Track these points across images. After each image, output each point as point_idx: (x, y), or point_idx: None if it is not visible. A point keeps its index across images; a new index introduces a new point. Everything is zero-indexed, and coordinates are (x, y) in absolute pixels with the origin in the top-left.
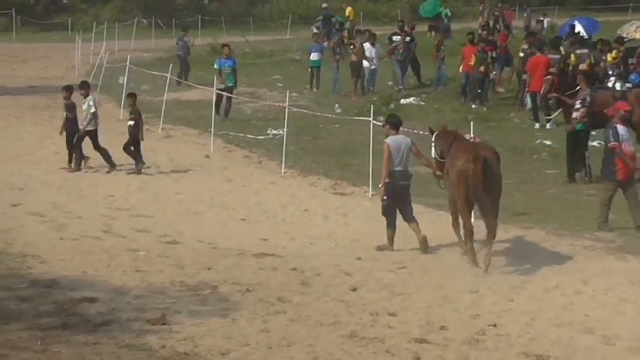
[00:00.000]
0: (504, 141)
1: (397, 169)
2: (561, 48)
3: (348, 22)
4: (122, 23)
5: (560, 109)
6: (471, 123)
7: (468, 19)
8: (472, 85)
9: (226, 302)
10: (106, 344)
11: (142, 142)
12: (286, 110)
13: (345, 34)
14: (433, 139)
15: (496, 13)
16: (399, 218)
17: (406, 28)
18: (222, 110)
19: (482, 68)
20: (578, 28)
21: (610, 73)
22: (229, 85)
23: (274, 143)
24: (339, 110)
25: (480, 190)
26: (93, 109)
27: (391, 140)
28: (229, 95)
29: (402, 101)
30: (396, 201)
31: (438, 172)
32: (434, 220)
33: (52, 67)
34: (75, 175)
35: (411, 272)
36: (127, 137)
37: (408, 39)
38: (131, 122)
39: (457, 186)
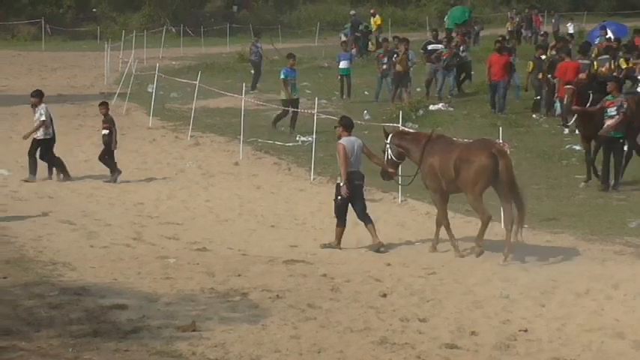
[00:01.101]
0: (533, 146)
1: (352, 169)
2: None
3: (375, 31)
4: (151, 31)
5: (574, 117)
6: (500, 129)
7: (497, 24)
8: (501, 95)
9: (256, 309)
10: (137, 351)
11: (120, 151)
12: (315, 117)
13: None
14: (389, 141)
15: (527, 15)
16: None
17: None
18: (290, 122)
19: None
20: (608, 34)
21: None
22: (295, 96)
23: (303, 150)
24: (367, 117)
25: (514, 180)
26: (43, 118)
27: (346, 141)
28: (294, 109)
29: (431, 107)
30: (351, 200)
31: (391, 170)
32: (463, 226)
33: (81, 75)
34: (104, 183)
35: (440, 278)
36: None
37: (461, 47)
38: (105, 131)
39: (475, 182)
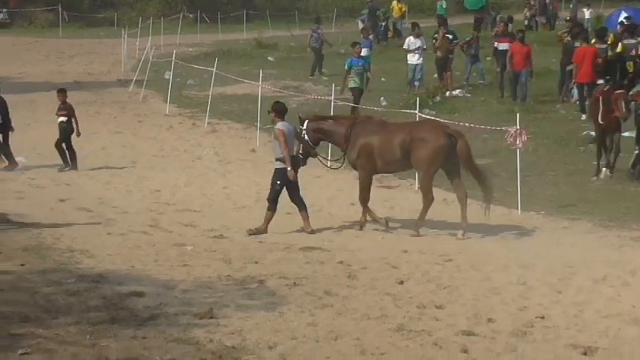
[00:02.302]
0: (551, 133)
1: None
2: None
3: (392, 18)
4: (168, 18)
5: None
6: (517, 115)
7: (513, 10)
8: (522, 85)
9: (273, 296)
10: (154, 338)
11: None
12: (332, 104)
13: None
14: (305, 126)
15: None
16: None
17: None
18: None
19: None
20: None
21: None
22: (360, 86)
23: None
24: (384, 103)
25: (473, 160)
26: None
27: (283, 125)
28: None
29: (448, 94)
30: (287, 185)
31: (315, 151)
32: (479, 213)
33: (98, 62)
34: (122, 170)
35: (457, 265)
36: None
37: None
38: (62, 119)
39: (433, 162)
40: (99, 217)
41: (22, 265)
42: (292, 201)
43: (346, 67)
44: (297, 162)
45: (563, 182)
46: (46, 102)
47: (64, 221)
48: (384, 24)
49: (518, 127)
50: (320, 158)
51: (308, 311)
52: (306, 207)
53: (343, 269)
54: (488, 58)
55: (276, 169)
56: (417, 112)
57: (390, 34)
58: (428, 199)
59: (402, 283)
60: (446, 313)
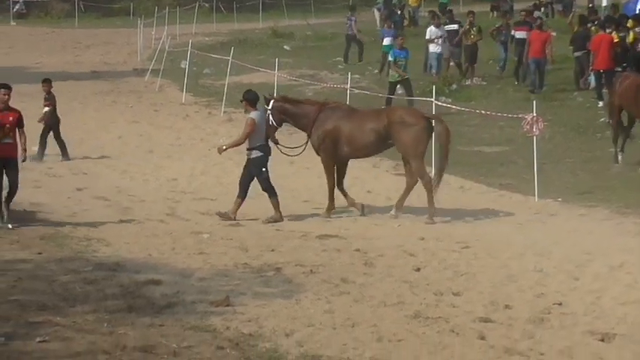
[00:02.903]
0: (568, 120)
1: (262, 142)
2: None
3: (409, 7)
4: (183, 8)
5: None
6: (534, 102)
7: None
8: (541, 73)
9: (290, 283)
10: (171, 326)
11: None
12: (348, 92)
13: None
14: (270, 107)
15: None
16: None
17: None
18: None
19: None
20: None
21: None
22: (406, 76)
23: None
24: (400, 91)
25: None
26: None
27: (255, 115)
28: (407, 89)
29: (469, 82)
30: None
31: (276, 139)
32: (496, 200)
33: (114, 52)
34: (138, 159)
35: (474, 252)
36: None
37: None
38: (46, 109)
39: (419, 144)
40: (116, 205)
41: (40, 253)
42: (262, 188)
43: (390, 59)
44: (268, 150)
45: (580, 169)
46: (62, 92)
47: (82, 210)
48: (400, 12)
49: (534, 115)
50: (279, 147)
51: (325, 299)
52: (276, 194)
53: (360, 257)
54: None
55: (254, 159)
56: (433, 99)
57: (406, 23)
58: (427, 182)
59: (418, 270)
60: (463, 300)
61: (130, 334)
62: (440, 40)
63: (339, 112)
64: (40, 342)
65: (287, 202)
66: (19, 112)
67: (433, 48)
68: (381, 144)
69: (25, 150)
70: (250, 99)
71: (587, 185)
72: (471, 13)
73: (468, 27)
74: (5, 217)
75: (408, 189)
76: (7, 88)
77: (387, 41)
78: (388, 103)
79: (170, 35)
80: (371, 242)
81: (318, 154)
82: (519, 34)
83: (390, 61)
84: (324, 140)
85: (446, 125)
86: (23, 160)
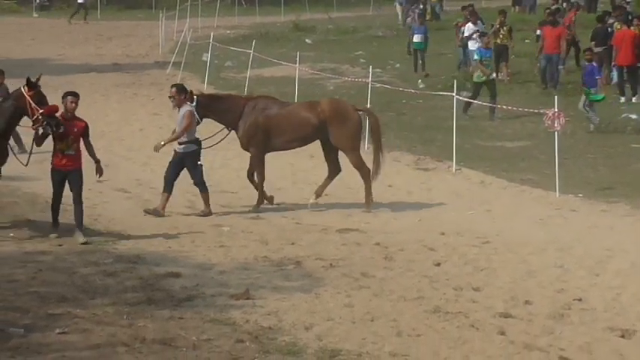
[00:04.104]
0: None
1: (196, 135)
2: None
3: (430, 1)
4: (205, 1)
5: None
6: (555, 98)
7: None
8: (554, 69)
9: (310, 277)
10: (191, 319)
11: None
12: (369, 86)
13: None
14: (195, 102)
15: None
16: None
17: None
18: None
19: None
20: None
21: None
22: (492, 77)
23: None
24: (422, 85)
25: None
26: None
27: (192, 108)
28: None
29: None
30: (189, 167)
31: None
32: (517, 195)
33: (136, 45)
34: (159, 152)
35: (495, 247)
36: None
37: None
38: None
39: (356, 136)
40: (136, 198)
41: (60, 245)
42: (194, 183)
43: (476, 58)
44: (200, 143)
45: (602, 165)
46: (84, 84)
47: (102, 202)
48: (422, 7)
49: (556, 110)
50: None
51: (344, 292)
52: (207, 189)
53: (380, 251)
54: (527, 41)
55: (190, 153)
56: (454, 94)
57: (427, 17)
58: (366, 172)
59: (438, 265)
60: (483, 295)
61: (149, 326)
62: (477, 37)
63: (268, 105)
64: (59, 334)
65: (307, 194)
66: (85, 123)
67: (472, 45)
68: (314, 136)
69: (97, 162)
70: (186, 92)
71: (609, 181)
72: (502, 12)
73: (498, 27)
74: (76, 234)
75: (328, 181)
76: (75, 95)
77: (416, 38)
78: (467, 106)
79: (192, 28)
80: (391, 236)
81: (245, 148)
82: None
83: (475, 61)
84: (256, 134)
85: (376, 117)
86: (100, 176)
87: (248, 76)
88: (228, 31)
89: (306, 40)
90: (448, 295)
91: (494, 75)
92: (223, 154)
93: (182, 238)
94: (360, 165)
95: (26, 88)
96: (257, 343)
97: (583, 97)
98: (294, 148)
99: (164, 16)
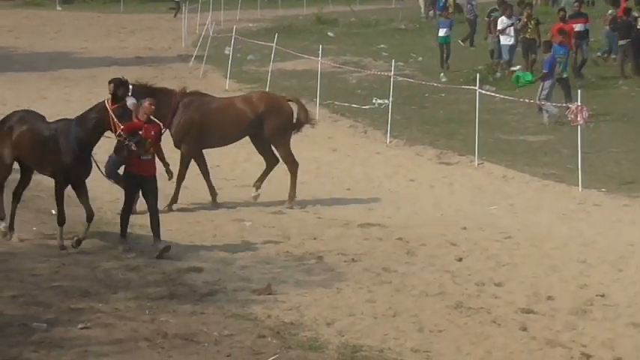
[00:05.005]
0: (612, 109)
1: None
2: None
3: None
4: None
5: None
6: (579, 91)
7: None
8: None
9: (332, 272)
10: (213, 314)
11: None
12: (391, 79)
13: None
14: (130, 93)
15: None
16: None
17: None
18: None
19: None
20: None
21: None
22: (565, 75)
23: (379, 113)
24: (444, 79)
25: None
26: None
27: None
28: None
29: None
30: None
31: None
32: (539, 190)
33: (158, 38)
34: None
35: (517, 242)
36: None
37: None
38: None
39: (288, 129)
40: (158, 192)
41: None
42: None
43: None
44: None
45: (625, 159)
46: (106, 77)
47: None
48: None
49: (579, 104)
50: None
51: (366, 288)
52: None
53: (402, 246)
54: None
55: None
56: (477, 88)
57: (450, 10)
58: (295, 166)
59: (460, 260)
60: (505, 290)
61: (171, 321)
62: (511, 31)
63: (203, 100)
64: (81, 328)
65: (329, 188)
66: (159, 125)
67: (505, 40)
68: (248, 131)
69: (167, 165)
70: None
71: (632, 175)
72: (529, 5)
73: (525, 21)
74: (156, 241)
75: (268, 172)
76: (153, 96)
77: (442, 32)
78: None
79: (214, 21)
80: (413, 231)
81: (177, 146)
82: (577, 27)
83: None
84: (190, 131)
85: (304, 106)
86: (170, 178)
87: (270, 69)
88: (251, 25)
89: (329, 33)
90: (470, 290)
91: (565, 74)
92: (248, 148)
93: (204, 232)
94: (289, 159)
95: (110, 101)
96: (279, 338)
97: (539, 89)
98: (227, 145)
99: (187, 9)
